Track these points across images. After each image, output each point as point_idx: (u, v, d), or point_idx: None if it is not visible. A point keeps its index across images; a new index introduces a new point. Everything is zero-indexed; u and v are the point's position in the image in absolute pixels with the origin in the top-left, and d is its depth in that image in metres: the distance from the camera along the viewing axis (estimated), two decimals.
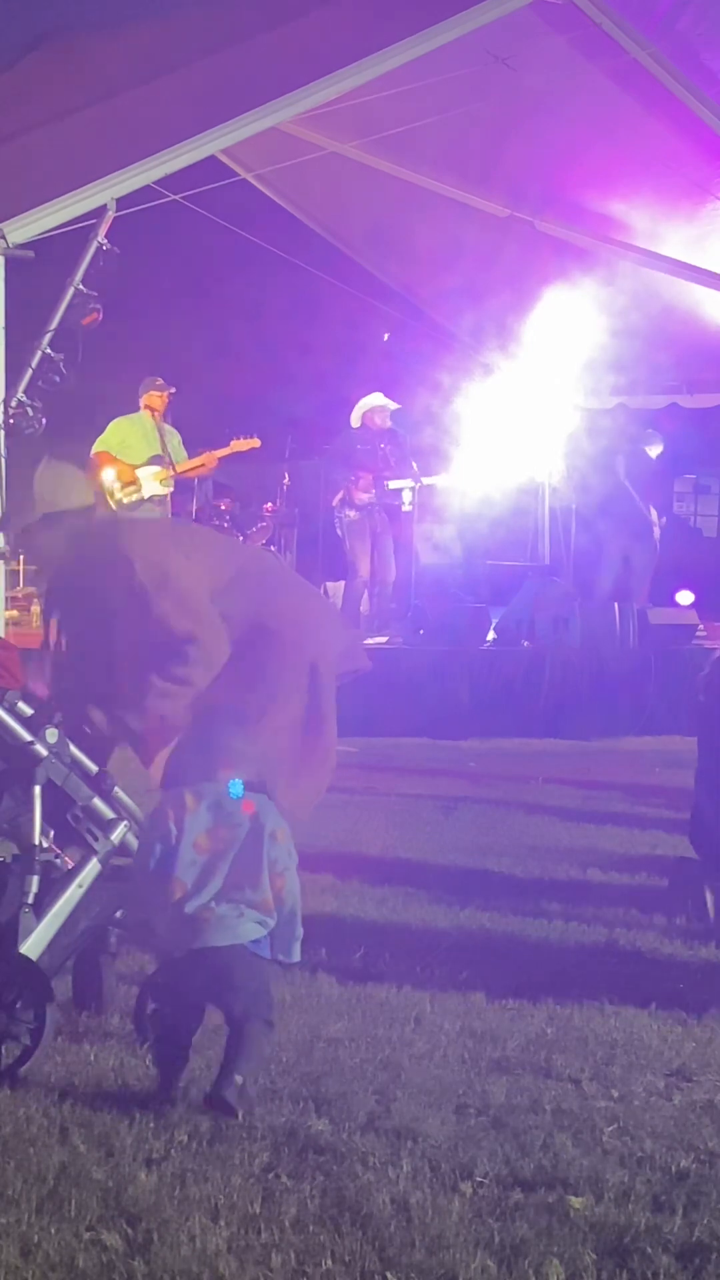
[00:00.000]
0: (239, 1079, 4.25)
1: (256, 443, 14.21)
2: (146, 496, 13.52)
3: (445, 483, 15.37)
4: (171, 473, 13.43)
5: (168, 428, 13.83)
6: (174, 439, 13.83)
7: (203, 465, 14.04)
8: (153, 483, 13.53)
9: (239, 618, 5.67)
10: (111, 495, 13.52)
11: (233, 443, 14.14)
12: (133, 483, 13.39)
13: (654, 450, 15.92)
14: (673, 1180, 4.00)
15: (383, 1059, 4.78)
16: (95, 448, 13.42)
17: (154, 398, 13.65)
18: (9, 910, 4.77)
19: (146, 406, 13.62)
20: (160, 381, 13.73)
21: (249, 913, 4.48)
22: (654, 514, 15.79)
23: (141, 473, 13.43)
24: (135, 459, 13.44)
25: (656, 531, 15.74)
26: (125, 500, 13.36)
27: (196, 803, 4.53)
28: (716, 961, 6.13)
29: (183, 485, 13.87)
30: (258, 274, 15.77)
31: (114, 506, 13.36)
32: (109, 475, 13.41)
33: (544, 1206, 3.79)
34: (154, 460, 13.58)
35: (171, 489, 13.79)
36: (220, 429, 14.21)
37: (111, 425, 13.54)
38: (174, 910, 4.47)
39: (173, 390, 13.76)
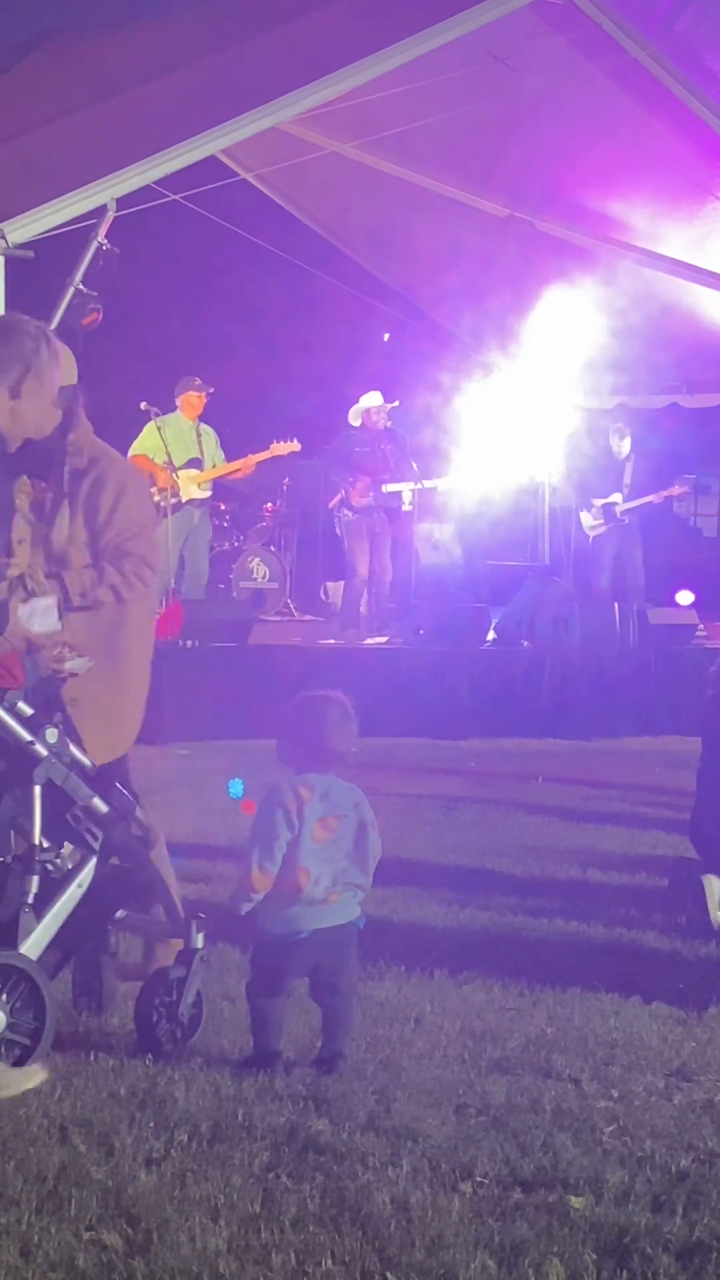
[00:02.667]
0: (342, 1048, 4.70)
1: (296, 446, 14.19)
2: (185, 500, 13.51)
3: (445, 484, 15.38)
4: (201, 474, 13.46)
5: (204, 428, 13.81)
6: (210, 440, 13.80)
7: (239, 470, 14.03)
8: (190, 486, 13.52)
9: None
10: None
11: (272, 446, 14.12)
12: (171, 487, 13.33)
13: (619, 445, 15.80)
14: (673, 1180, 4.00)
15: (383, 1059, 4.78)
16: (132, 451, 13.26)
17: (192, 398, 13.63)
18: (9, 910, 4.77)
19: (183, 406, 13.61)
20: (198, 381, 13.70)
21: (357, 894, 4.77)
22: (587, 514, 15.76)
23: (179, 476, 13.42)
24: (174, 461, 13.38)
25: (589, 523, 15.74)
26: (164, 505, 13.33)
27: (311, 793, 4.69)
28: (717, 961, 6.13)
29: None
30: (258, 274, 15.79)
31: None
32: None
33: (544, 1206, 3.79)
34: (191, 463, 13.56)
35: (210, 493, 13.76)
36: (220, 429, 14.21)
37: (148, 427, 13.49)
38: (294, 897, 4.64)
39: (211, 390, 13.73)
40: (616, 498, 15.71)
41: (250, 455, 14.02)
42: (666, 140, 13.23)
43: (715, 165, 13.47)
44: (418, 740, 12.01)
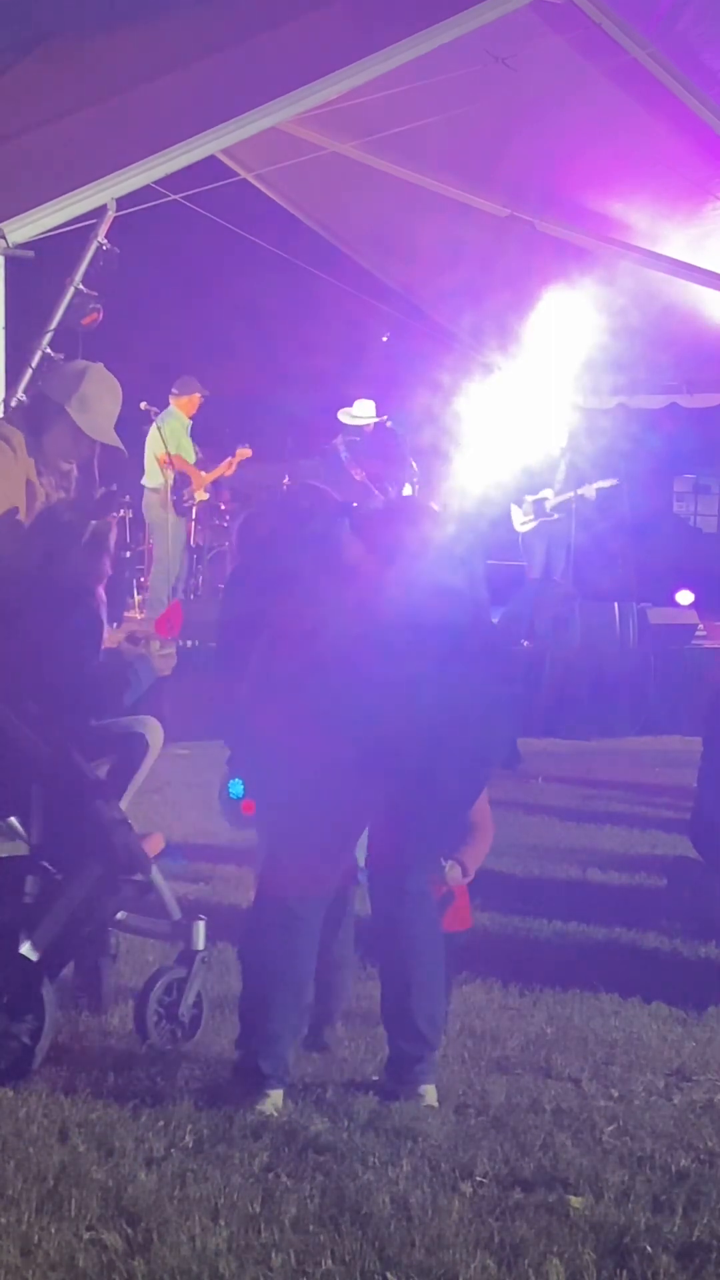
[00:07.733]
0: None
1: (248, 452, 14.33)
2: (198, 501, 13.67)
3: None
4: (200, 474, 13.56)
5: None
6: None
7: (226, 470, 14.15)
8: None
9: None
10: (185, 501, 13.56)
11: (237, 451, 14.22)
12: (199, 488, 13.54)
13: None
14: (673, 1180, 4.00)
15: (383, 1059, 4.78)
16: (170, 449, 13.32)
17: (194, 400, 13.72)
18: (9, 910, 4.77)
19: (184, 406, 13.67)
20: (197, 384, 13.80)
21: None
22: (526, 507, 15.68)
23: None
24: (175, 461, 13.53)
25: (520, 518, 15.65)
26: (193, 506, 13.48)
27: None
28: (717, 961, 6.13)
29: (183, 482, 13.89)
30: (258, 274, 15.78)
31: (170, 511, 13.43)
32: (182, 480, 13.46)
33: (544, 1206, 3.79)
34: (197, 464, 13.67)
35: (208, 495, 13.90)
36: (220, 429, 14.22)
37: (166, 428, 13.57)
38: None
39: (207, 393, 13.84)
40: (547, 493, 15.62)
41: (228, 458, 14.16)
42: (666, 140, 13.21)
43: (715, 165, 13.46)
44: None
